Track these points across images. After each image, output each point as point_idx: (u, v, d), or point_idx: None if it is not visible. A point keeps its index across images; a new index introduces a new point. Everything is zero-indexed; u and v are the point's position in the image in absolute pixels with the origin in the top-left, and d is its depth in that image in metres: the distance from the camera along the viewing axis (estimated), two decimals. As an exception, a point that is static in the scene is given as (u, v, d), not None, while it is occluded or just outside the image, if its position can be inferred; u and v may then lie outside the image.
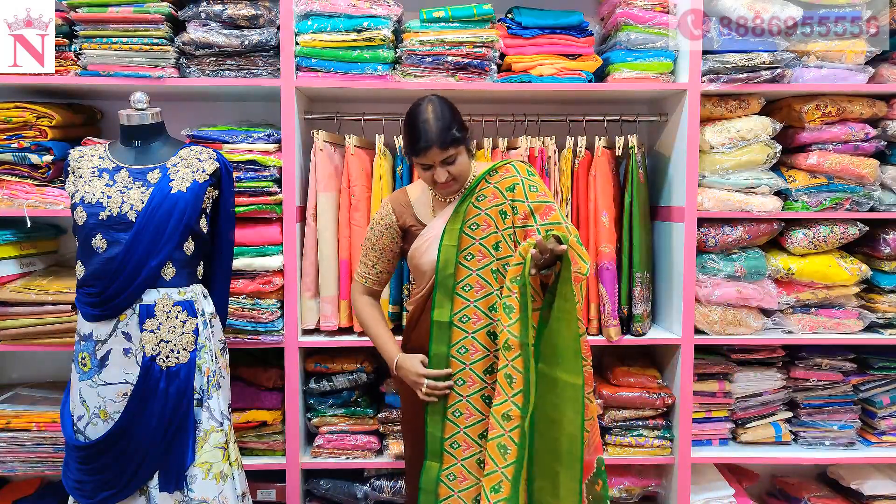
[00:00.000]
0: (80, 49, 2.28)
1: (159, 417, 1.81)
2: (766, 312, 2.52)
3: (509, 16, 2.48)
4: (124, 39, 2.26)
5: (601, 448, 2.05)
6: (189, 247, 1.89)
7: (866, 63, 2.44)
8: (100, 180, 1.85)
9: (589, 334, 2.47)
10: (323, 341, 2.43)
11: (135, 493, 1.84)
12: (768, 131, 2.42)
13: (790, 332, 2.52)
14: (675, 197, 2.48)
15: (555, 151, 2.47)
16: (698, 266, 2.45)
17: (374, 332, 2.00)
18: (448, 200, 1.91)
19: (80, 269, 1.85)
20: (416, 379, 1.85)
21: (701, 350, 2.54)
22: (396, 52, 2.36)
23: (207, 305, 1.94)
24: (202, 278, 1.99)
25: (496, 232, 1.85)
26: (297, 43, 2.32)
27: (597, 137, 2.48)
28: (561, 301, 1.70)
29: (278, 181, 2.36)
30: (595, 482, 1.88)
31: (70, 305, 2.27)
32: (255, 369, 2.48)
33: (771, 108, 2.57)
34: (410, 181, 2.42)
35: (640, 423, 2.49)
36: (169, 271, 1.84)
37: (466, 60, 2.34)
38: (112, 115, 2.65)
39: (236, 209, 2.14)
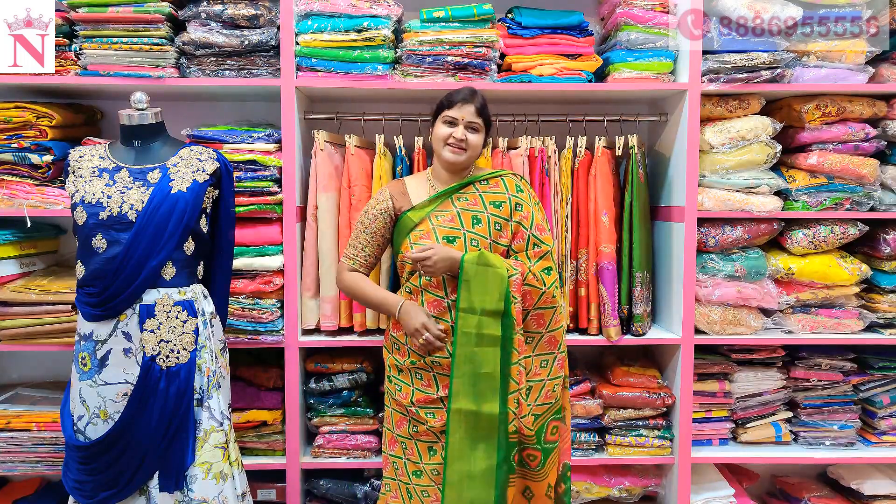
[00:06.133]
0: (81, 49, 2.28)
1: (159, 417, 1.81)
2: (766, 312, 2.52)
3: (509, 16, 2.48)
4: (124, 39, 2.26)
5: (569, 453, 2.10)
6: (189, 247, 1.89)
7: (866, 63, 2.44)
8: (100, 180, 1.85)
9: (589, 334, 2.48)
10: (323, 341, 2.43)
11: (135, 493, 1.84)
12: (768, 131, 2.42)
13: (790, 332, 2.52)
14: (675, 197, 2.48)
15: (555, 151, 2.47)
16: (698, 266, 2.45)
17: (370, 291, 2.02)
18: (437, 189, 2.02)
19: (80, 269, 1.85)
20: (418, 327, 1.87)
21: (701, 350, 2.54)
22: (396, 52, 2.36)
23: (207, 305, 1.94)
24: (202, 278, 1.99)
25: (458, 229, 1.93)
26: (297, 43, 2.32)
27: (597, 137, 2.48)
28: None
29: (278, 181, 2.35)
30: (558, 485, 2.01)
31: (70, 305, 2.27)
32: (255, 369, 2.48)
33: (771, 108, 2.57)
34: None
35: (641, 423, 2.49)
36: (169, 271, 1.84)
37: (466, 60, 2.34)
38: (112, 115, 2.65)
39: (236, 209, 2.14)
